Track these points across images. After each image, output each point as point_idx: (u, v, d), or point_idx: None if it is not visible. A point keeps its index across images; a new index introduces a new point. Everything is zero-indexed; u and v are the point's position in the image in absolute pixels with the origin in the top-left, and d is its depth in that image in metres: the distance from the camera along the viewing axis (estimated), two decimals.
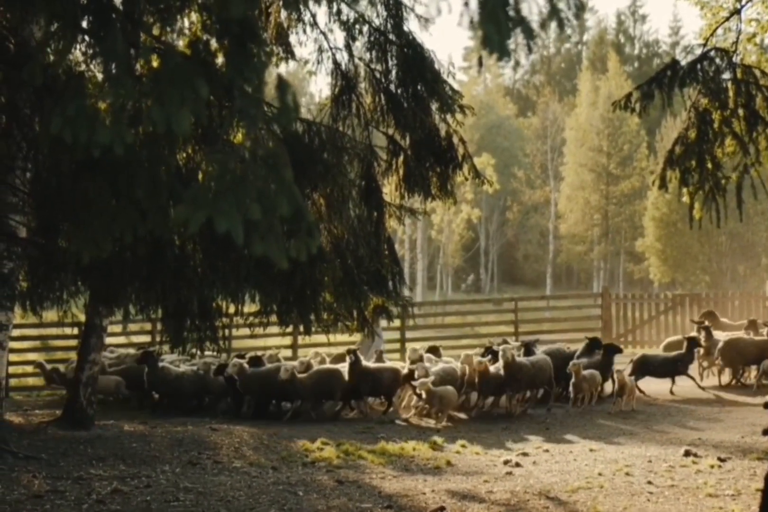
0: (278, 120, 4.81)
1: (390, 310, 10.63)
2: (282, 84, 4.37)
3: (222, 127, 6.45)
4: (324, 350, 16.33)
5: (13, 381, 16.98)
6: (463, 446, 11.24)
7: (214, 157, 4.62)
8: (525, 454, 10.72)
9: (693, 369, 15.58)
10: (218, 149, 5.10)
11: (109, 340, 14.72)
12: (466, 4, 3.59)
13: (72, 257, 6.22)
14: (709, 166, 9.63)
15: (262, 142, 4.78)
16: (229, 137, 6.40)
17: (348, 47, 10.12)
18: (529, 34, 3.72)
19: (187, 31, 6.56)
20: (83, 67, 7.33)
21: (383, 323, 11.12)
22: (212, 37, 5.05)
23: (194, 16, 6.57)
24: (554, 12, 3.78)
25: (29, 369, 17.88)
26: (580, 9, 3.82)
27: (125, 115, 4.29)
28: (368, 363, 14.19)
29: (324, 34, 10.08)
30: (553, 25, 3.79)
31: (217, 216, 4.22)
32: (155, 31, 6.00)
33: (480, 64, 4.18)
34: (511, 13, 3.63)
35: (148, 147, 4.91)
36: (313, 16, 9.98)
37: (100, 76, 6.00)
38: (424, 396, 12.81)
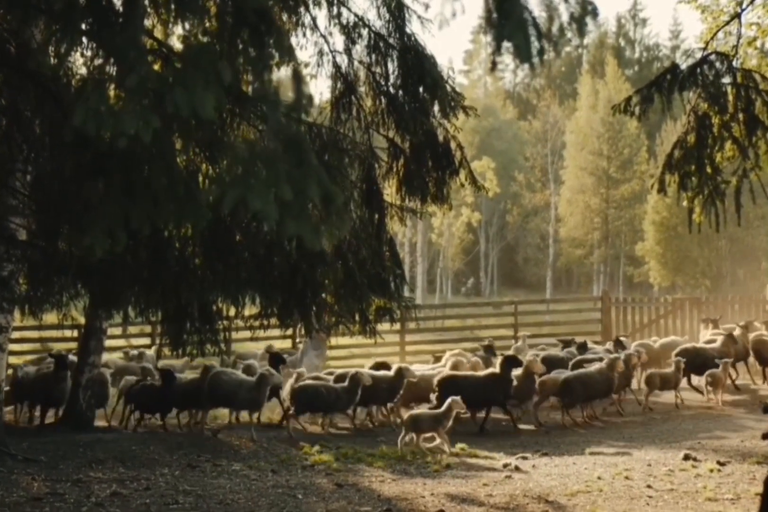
0: (293, 108, 4.78)
1: (392, 312, 10.60)
2: (297, 75, 4.39)
3: (224, 130, 6.43)
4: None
5: None
6: (462, 449, 11.23)
7: (239, 139, 4.63)
8: (524, 458, 10.72)
9: None
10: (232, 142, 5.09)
11: (108, 343, 14.71)
12: (490, 13, 3.65)
13: (85, 252, 6.15)
14: (709, 170, 9.64)
15: (282, 127, 4.75)
16: (231, 140, 6.36)
17: (348, 51, 10.10)
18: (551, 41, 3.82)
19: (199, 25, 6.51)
20: (99, 61, 7.28)
21: (385, 325, 10.93)
22: (228, 26, 5.01)
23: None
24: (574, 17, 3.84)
25: None
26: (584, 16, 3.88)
27: (147, 101, 4.24)
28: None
29: (324, 37, 10.05)
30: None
31: (251, 195, 4.19)
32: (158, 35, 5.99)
33: (493, 68, 4.25)
34: (527, 16, 3.69)
35: (163, 136, 4.86)
36: (314, 19, 9.94)
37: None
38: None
